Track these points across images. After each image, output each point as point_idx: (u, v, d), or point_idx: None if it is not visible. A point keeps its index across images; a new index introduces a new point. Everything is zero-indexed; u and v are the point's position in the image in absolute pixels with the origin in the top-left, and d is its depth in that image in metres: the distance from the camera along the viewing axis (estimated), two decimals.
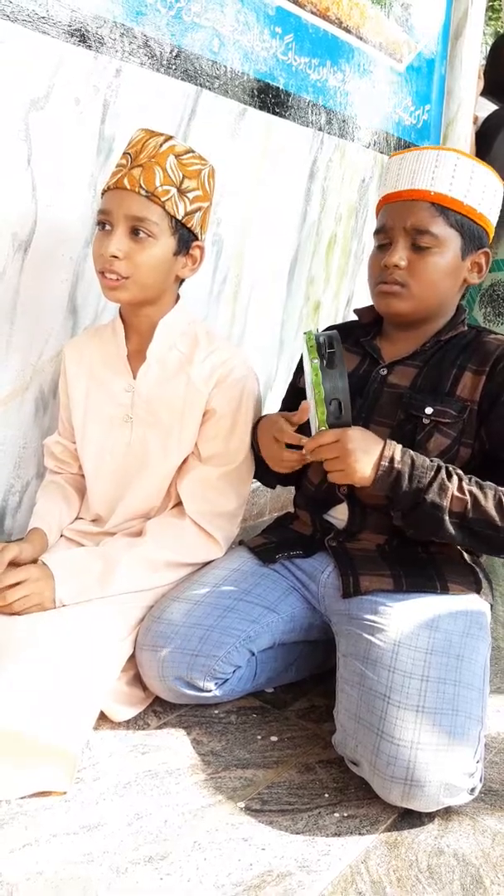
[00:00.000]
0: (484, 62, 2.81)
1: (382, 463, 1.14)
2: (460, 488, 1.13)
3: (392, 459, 1.14)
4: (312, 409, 1.17)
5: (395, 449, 1.15)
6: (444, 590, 1.23)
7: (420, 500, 1.13)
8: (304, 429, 1.24)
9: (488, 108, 2.73)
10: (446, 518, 1.13)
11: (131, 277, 1.27)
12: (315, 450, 1.16)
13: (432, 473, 1.13)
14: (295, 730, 1.26)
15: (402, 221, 1.26)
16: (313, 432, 1.19)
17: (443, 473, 1.14)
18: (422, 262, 1.26)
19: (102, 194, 1.32)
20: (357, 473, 1.13)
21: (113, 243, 1.25)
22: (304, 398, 1.27)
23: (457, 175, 1.25)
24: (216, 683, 1.23)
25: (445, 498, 1.12)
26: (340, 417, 1.15)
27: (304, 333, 1.18)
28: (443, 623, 1.18)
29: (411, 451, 1.16)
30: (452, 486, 1.13)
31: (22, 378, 1.50)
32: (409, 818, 1.06)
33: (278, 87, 1.94)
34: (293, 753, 1.20)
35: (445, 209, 1.25)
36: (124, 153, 1.30)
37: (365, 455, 1.13)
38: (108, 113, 1.53)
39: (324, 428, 1.15)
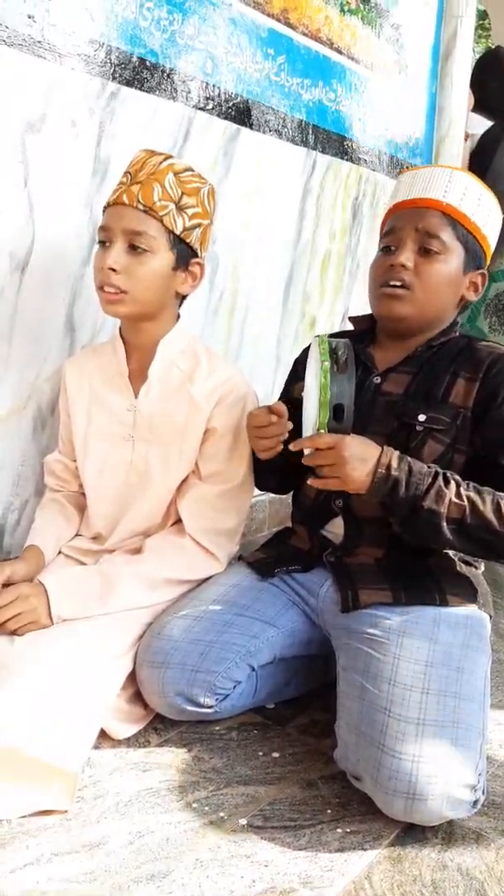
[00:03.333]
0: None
1: (379, 470, 1.13)
2: (458, 494, 1.13)
3: (389, 466, 1.14)
4: (313, 411, 1.16)
5: (393, 456, 1.15)
6: (444, 602, 1.23)
7: (417, 506, 1.13)
8: (295, 433, 1.24)
9: (480, 124, 2.77)
10: (444, 524, 1.13)
11: (130, 292, 1.28)
12: (311, 456, 1.16)
13: (429, 480, 1.13)
14: (296, 745, 1.26)
15: (412, 224, 1.28)
16: (307, 433, 1.19)
17: (440, 480, 1.14)
18: (428, 267, 1.27)
19: (103, 212, 1.33)
20: (353, 481, 1.13)
21: (111, 257, 1.26)
22: (297, 408, 1.27)
23: (467, 194, 1.29)
24: (217, 699, 1.23)
25: (443, 504, 1.12)
26: (342, 423, 1.14)
27: (317, 337, 1.19)
28: (442, 635, 1.18)
29: (409, 458, 1.16)
30: (450, 493, 1.13)
31: (20, 396, 1.50)
32: (413, 833, 1.06)
33: (271, 108, 1.97)
34: (295, 769, 1.19)
35: (455, 221, 1.28)
36: (125, 172, 1.32)
37: (361, 462, 1.13)
38: (103, 134, 1.55)
39: (322, 430, 1.15)
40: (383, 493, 1.14)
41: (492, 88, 2.80)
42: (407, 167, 1.55)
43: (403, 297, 1.28)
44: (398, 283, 1.27)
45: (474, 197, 1.29)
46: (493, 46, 3.30)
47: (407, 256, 1.27)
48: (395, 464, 1.14)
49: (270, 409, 1.26)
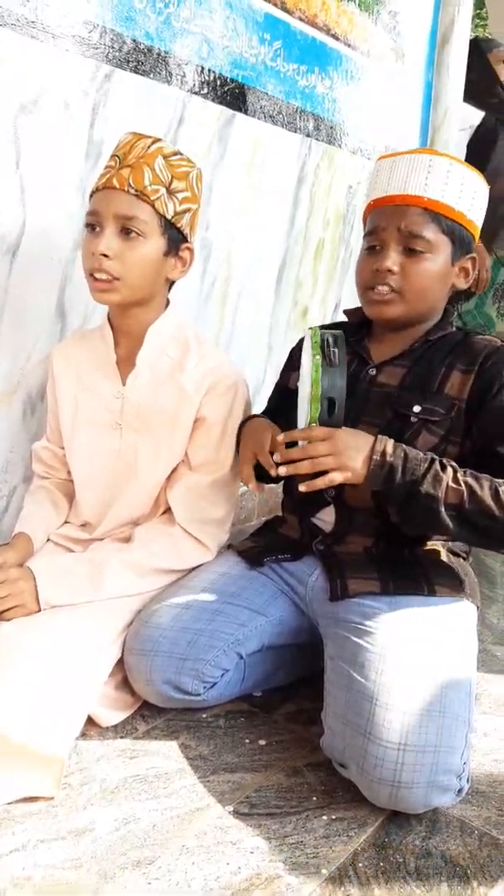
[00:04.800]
0: None
1: (374, 457, 1.13)
2: (455, 479, 1.12)
3: (384, 453, 1.13)
4: (305, 405, 1.16)
5: (387, 443, 1.15)
6: (431, 592, 1.24)
7: (415, 491, 1.12)
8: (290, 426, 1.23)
9: (473, 114, 2.76)
10: (442, 509, 1.12)
11: (122, 279, 1.27)
12: (303, 448, 1.14)
13: (426, 465, 1.13)
14: (283, 733, 1.26)
15: (394, 224, 1.25)
16: (300, 426, 1.18)
17: (436, 465, 1.13)
18: (414, 267, 1.25)
19: (91, 196, 1.31)
20: (349, 471, 1.12)
21: (103, 242, 1.24)
22: (292, 398, 1.27)
23: (449, 181, 1.25)
24: (204, 687, 1.23)
25: (440, 489, 1.12)
26: (332, 416, 1.13)
27: (310, 329, 1.18)
28: (430, 625, 1.18)
29: (403, 445, 1.16)
30: (447, 477, 1.12)
31: (9, 382, 1.49)
32: (397, 820, 1.06)
33: (266, 93, 1.95)
34: (281, 757, 1.20)
35: (438, 215, 1.25)
36: (112, 155, 1.30)
37: (356, 452, 1.13)
38: (97, 117, 1.53)
39: (314, 424, 1.14)
40: (380, 481, 1.14)
41: (473, 77, 2.79)
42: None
43: (392, 301, 1.27)
44: (386, 289, 1.26)
45: (457, 182, 1.25)
46: (489, 36, 3.29)
47: (392, 260, 1.25)
48: (390, 450, 1.14)
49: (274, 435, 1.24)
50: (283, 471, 1.16)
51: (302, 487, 1.15)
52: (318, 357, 1.12)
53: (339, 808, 1.08)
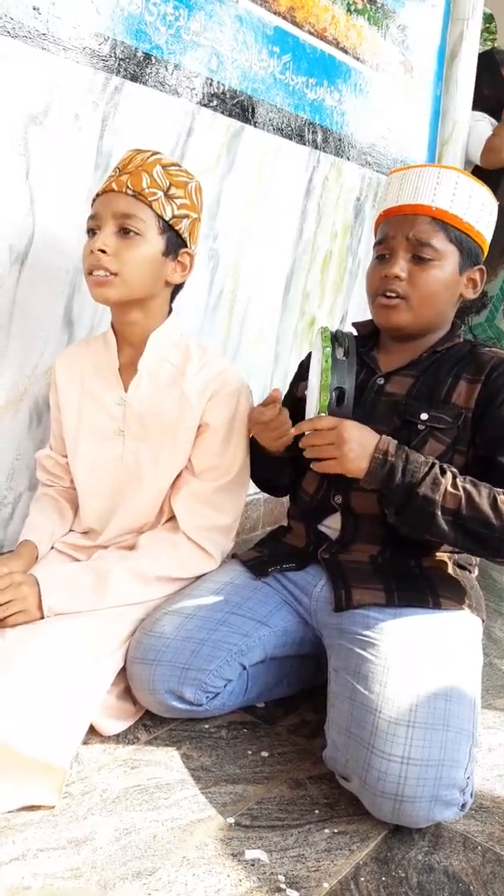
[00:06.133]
0: None
1: (377, 455, 1.15)
2: (454, 485, 1.13)
3: (386, 452, 1.15)
4: (315, 396, 1.18)
5: (391, 443, 1.16)
6: (436, 605, 1.23)
7: (413, 493, 1.13)
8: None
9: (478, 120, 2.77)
10: (439, 513, 1.13)
11: (119, 274, 1.27)
12: (310, 434, 1.16)
13: (426, 469, 1.14)
14: (286, 745, 1.26)
15: (403, 233, 1.28)
16: (309, 416, 1.19)
17: (436, 469, 1.14)
18: (422, 275, 1.27)
19: (92, 204, 1.33)
20: (351, 463, 1.14)
21: (100, 239, 1.26)
22: (301, 407, 1.28)
23: (457, 193, 1.27)
24: (207, 697, 1.23)
25: (438, 492, 1.13)
26: (341, 407, 1.16)
27: (321, 328, 1.21)
28: (434, 638, 1.18)
29: (406, 447, 1.17)
30: (446, 482, 1.13)
31: (16, 389, 1.50)
32: (400, 834, 1.05)
33: (275, 106, 1.96)
34: (284, 769, 1.19)
35: (446, 224, 1.27)
36: (114, 168, 1.33)
37: (360, 446, 1.15)
38: (106, 128, 1.54)
39: (323, 413, 1.16)
40: (380, 478, 1.15)
41: (487, 93, 2.80)
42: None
43: (399, 308, 1.28)
44: (393, 295, 1.28)
45: (465, 195, 1.28)
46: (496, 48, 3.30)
47: (401, 267, 1.27)
48: (392, 450, 1.15)
49: (265, 403, 1.27)
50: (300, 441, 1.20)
51: (311, 464, 1.20)
52: (328, 349, 1.16)
53: (341, 822, 1.07)
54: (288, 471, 1.44)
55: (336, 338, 1.17)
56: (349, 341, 1.18)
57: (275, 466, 1.43)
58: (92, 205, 1.33)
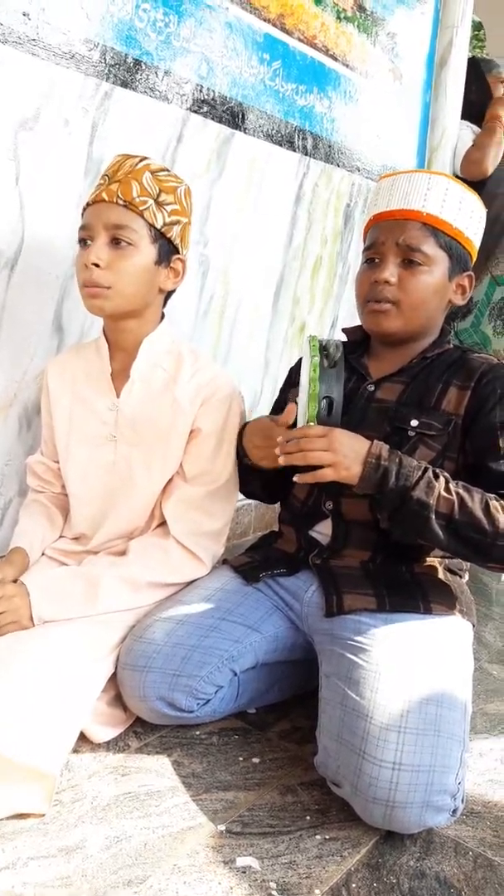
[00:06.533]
0: None
1: (370, 459, 1.14)
2: (447, 489, 1.14)
3: (379, 457, 1.15)
4: (303, 405, 1.18)
5: (382, 448, 1.16)
6: (427, 610, 1.23)
7: (407, 497, 1.13)
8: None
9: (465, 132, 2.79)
10: (433, 517, 1.13)
11: (113, 287, 1.27)
12: (301, 441, 1.15)
13: (419, 473, 1.14)
14: (277, 751, 1.25)
15: (393, 238, 1.28)
16: (299, 426, 1.19)
17: (430, 473, 1.15)
18: (412, 279, 1.27)
19: (83, 213, 1.33)
20: (345, 469, 1.14)
21: (93, 252, 1.26)
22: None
23: (448, 199, 1.28)
24: (198, 703, 1.22)
25: (432, 496, 1.13)
26: (330, 416, 1.16)
27: (310, 336, 1.20)
28: (425, 643, 1.18)
29: (398, 452, 1.17)
30: (439, 486, 1.13)
31: (6, 395, 1.49)
32: (391, 840, 1.05)
33: (265, 112, 1.97)
34: (275, 775, 1.19)
35: (436, 230, 1.27)
36: (102, 175, 1.33)
37: (352, 452, 1.14)
38: (96, 134, 1.54)
39: (312, 423, 1.16)
40: (374, 483, 1.15)
41: (473, 99, 2.82)
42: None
43: (389, 313, 1.29)
44: (383, 300, 1.28)
45: (455, 201, 1.28)
46: (486, 56, 3.32)
47: (391, 272, 1.27)
48: (385, 454, 1.15)
49: (277, 422, 1.25)
50: (282, 460, 1.18)
51: (295, 478, 1.18)
52: (316, 359, 1.15)
53: (332, 828, 1.07)
54: (281, 482, 1.44)
55: (324, 347, 1.17)
56: (338, 349, 1.18)
57: (268, 482, 1.42)
58: (82, 214, 1.33)
